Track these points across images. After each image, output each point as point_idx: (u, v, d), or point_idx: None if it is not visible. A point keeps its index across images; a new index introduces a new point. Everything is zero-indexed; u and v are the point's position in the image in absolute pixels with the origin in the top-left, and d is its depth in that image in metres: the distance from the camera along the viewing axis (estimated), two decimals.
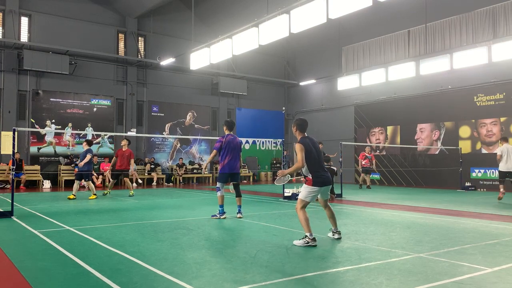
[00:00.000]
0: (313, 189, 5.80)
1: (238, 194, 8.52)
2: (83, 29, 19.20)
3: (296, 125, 6.07)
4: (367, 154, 17.37)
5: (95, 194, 12.43)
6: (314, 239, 5.59)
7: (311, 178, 5.81)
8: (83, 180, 12.51)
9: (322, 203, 6.14)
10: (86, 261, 4.63)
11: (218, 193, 8.35)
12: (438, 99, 18.31)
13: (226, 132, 8.50)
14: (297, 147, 5.79)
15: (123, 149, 13.34)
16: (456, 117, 17.75)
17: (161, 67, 20.82)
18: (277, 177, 6.09)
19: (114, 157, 13.56)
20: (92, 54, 18.98)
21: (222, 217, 8.21)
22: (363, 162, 17.31)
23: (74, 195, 12.21)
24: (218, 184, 8.39)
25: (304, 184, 5.93)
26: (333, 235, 6.09)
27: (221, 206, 8.29)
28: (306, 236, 5.61)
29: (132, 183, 13.22)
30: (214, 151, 8.41)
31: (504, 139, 12.14)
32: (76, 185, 12.50)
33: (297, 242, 5.65)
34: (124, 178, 13.62)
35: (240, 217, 8.24)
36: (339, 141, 14.98)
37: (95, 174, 17.71)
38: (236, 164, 8.40)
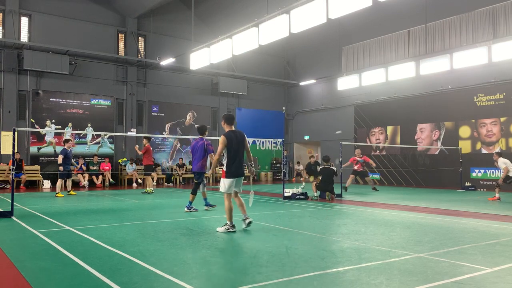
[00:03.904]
0: (228, 180, 6.55)
1: (192, 192, 9.40)
2: (83, 29, 19.20)
3: (224, 119, 6.77)
4: (358, 158, 15.82)
5: (62, 194, 13.15)
6: (233, 226, 6.55)
7: (225, 171, 6.57)
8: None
9: (233, 194, 6.77)
10: (86, 261, 4.63)
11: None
12: (438, 99, 18.30)
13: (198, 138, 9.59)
14: (220, 139, 6.51)
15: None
16: (456, 117, 17.75)
17: (161, 67, 20.82)
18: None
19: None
20: (92, 54, 18.98)
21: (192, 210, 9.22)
22: (355, 167, 15.82)
23: (61, 193, 13.27)
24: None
25: (222, 178, 6.68)
26: (246, 220, 6.77)
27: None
28: (227, 223, 6.55)
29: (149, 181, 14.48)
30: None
31: (499, 154, 12.36)
32: (59, 183, 13.33)
33: (219, 229, 6.58)
34: (146, 176, 14.59)
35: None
36: (339, 141, 14.97)
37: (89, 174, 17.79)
38: (194, 164, 9.55)
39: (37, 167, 17.43)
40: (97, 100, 19.41)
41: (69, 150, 13.04)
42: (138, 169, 19.17)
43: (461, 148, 16.97)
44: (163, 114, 21.37)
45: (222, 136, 6.49)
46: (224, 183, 6.58)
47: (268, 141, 24.90)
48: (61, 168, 12.81)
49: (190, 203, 9.22)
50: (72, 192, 13.57)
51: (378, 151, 20.84)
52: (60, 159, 12.78)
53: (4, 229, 6.92)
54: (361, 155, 16.16)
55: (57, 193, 12.97)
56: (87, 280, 3.95)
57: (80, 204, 10.95)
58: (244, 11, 19.49)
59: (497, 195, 12.00)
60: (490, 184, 16.41)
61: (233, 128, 6.72)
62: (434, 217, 8.44)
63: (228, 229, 6.50)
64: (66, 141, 13.33)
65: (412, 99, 19.28)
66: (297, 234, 6.40)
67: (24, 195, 13.49)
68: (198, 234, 6.45)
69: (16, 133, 8.58)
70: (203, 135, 9.43)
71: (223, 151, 6.51)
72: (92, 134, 18.86)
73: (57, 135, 18.19)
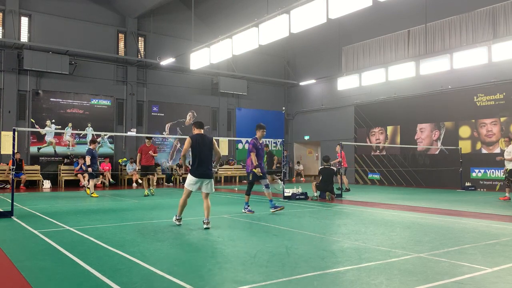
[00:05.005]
0: (192, 178, 6.95)
1: (246, 192, 9.51)
2: (83, 29, 19.20)
3: (194, 124, 7.37)
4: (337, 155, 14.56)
5: (97, 194, 13.09)
6: (179, 220, 7.21)
7: (189, 168, 7.07)
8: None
9: (203, 195, 7.15)
10: (86, 261, 4.63)
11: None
12: (438, 99, 18.30)
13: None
14: (186, 140, 7.04)
15: (147, 145, 13.46)
16: (456, 117, 17.74)
17: (161, 67, 20.81)
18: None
19: (138, 154, 13.55)
20: (92, 54, 18.98)
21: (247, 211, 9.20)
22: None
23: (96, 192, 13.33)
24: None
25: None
26: (204, 224, 6.94)
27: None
28: (175, 216, 7.24)
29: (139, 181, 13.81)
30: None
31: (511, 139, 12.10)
32: (92, 183, 13.18)
33: (173, 221, 7.24)
34: (150, 176, 13.72)
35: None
36: (339, 141, 14.97)
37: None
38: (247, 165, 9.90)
39: (37, 167, 17.43)
40: (97, 100, 19.40)
41: (94, 150, 13.06)
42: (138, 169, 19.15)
43: (461, 148, 16.97)
44: (163, 114, 21.37)
45: (188, 137, 7.05)
46: (188, 179, 7.04)
47: (268, 141, 24.88)
48: (89, 169, 12.84)
49: (246, 203, 9.20)
50: (88, 191, 13.20)
51: (378, 151, 20.84)
52: (88, 160, 12.76)
53: (4, 229, 6.92)
54: (339, 151, 14.49)
55: (92, 193, 12.93)
56: (87, 280, 3.94)
57: (80, 204, 10.95)
58: (244, 11, 19.49)
59: (507, 194, 11.78)
60: (490, 184, 16.42)
61: (202, 132, 7.23)
62: (434, 217, 8.44)
63: (174, 221, 7.22)
64: (93, 142, 13.29)
65: (412, 99, 19.28)
66: (297, 234, 6.40)
67: (24, 195, 13.49)
68: (198, 234, 6.45)
69: (16, 133, 8.58)
70: (257, 133, 9.56)
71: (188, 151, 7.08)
72: (92, 134, 18.86)
73: (57, 135, 18.19)
